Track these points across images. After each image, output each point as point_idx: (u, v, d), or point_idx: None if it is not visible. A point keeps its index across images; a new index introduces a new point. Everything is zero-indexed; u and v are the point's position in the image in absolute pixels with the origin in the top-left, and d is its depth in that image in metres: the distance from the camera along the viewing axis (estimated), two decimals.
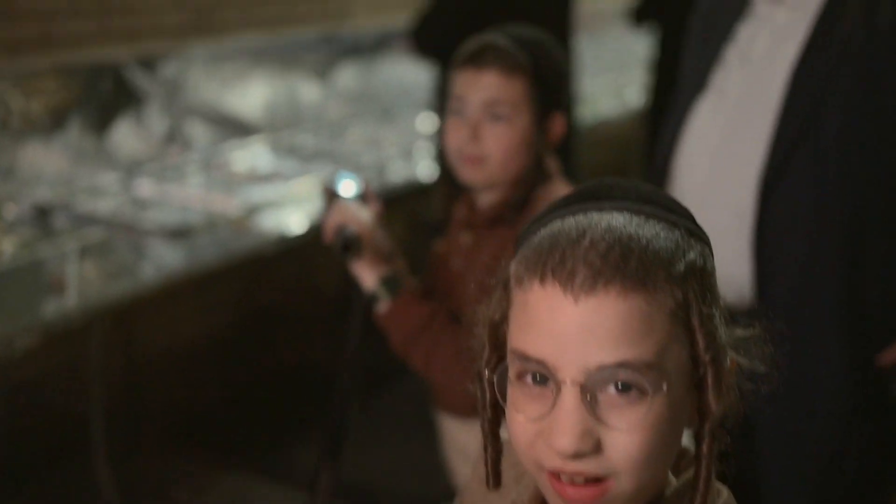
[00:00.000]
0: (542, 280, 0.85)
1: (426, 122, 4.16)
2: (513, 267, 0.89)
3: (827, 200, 1.78)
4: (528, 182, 1.67)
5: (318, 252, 3.00)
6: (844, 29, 1.77)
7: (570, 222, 0.87)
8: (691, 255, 0.87)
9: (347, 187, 1.74)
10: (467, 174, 1.68)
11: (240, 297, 3.19)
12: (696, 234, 0.91)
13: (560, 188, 1.68)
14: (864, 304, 1.81)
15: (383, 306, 1.65)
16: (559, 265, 0.84)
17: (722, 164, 1.88)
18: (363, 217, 1.66)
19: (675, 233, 0.87)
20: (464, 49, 1.71)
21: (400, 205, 3.22)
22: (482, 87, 1.66)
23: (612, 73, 5.73)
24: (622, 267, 0.83)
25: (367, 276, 1.65)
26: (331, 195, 1.74)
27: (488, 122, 1.66)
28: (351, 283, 1.76)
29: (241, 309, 3.13)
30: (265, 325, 3.26)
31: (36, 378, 2.50)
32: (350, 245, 1.61)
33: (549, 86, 1.69)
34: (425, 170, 3.58)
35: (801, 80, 1.79)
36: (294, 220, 3.00)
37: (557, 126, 1.71)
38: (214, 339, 3.17)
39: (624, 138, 5.21)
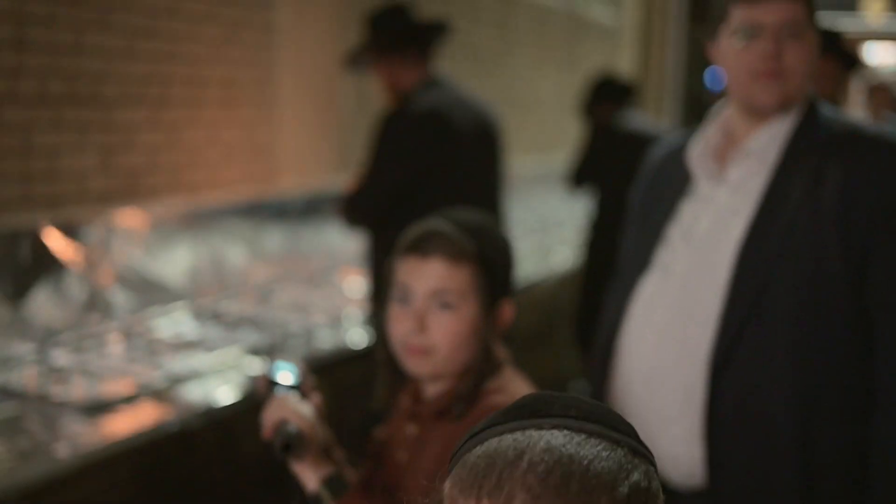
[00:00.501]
0: None
1: (355, 286, 4.12)
2: (447, 488, 0.84)
3: (777, 381, 1.77)
4: (476, 372, 1.61)
5: (242, 422, 2.90)
6: (789, 210, 1.79)
7: (508, 441, 0.83)
8: (635, 476, 0.83)
9: (285, 377, 1.66)
10: (413, 365, 1.62)
11: (159, 470, 3.05)
12: (641, 452, 0.86)
13: (510, 378, 1.62)
14: (819, 486, 1.78)
15: None
16: (495, 489, 0.79)
17: (670, 343, 1.86)
18: (304, 412, 1.58)
19: (617, 452, 0.83)
20: (407, 235, 1.67)
21: (328, 373, 3.14)
22: (427, 276, 1.61)
23: (537, 235, 5.79)
24: (563, 492, 0.79)
25: (309, 476, 1.56)
26: (268, 385, 1.66)
27: (435, 312, 1.61)
28: (288, 478, 1.66)
29: (159, 483, 2.98)
30: (186, 499, 3.11)
31: None
32: (292, 445, 1.53)
33: (496, 272, 1.65)
34: (354, 336, 3.51)
35: (748, 261, 1.80)
36: (219, 392, 2.89)
37: (506, 313, 1.67)
38: None
39: (551, 301, 5.22)
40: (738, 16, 1.81)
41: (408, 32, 3.40)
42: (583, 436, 0.83)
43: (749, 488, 1.79)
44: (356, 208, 3.36)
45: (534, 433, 0.83)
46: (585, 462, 0.81)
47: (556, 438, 0.82)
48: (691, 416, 1.82)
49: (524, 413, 0.86)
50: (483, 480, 0.81)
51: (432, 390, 1.66)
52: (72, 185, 3.38)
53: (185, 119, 3.82)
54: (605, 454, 0.82)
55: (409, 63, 3.39)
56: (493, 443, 0.83)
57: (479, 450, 0.84)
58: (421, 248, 1.62)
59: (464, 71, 5.46)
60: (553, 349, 5.16)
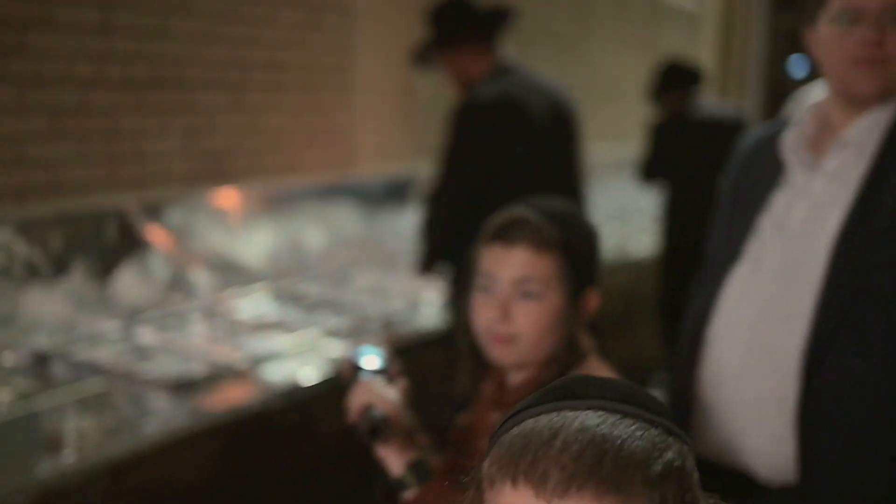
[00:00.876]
0: (514, 482, 0.83)
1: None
2: (485, 467, 0.87)
3: (875, 377, 1.71)
4: (561, 361, 1.60)
5: (322, 403, 2.93)
6: (889, 202, 1.73)
7: (543, 421, 0.85)
8: (669, 455, 0.84)
9: (371, 362, 1.66)
10: (498, 353, 1.62)
11: (240, 448, 3.11)
12: (675, 432, 0.87)
13: (596, 367, 1.61)
14: None
15: (411, 493, 1.57)
16: (531, 467, 0.82)
17: (761, 337, 1.81)
18: (390, 396, 1.58)
19: (651, 432, 0.84)
20: (491, 223, 1.65)
21: (406, 356, 3.16)
22: (512, 265, 1.60)
23: (615, 222, 5.74)
24: (596, 470, 0.80)
25: (395, 461, 1.57)
26: (353, 370, 1.66)
27: (519, 300, 1.59)
28: (369, 461, 1.67)
29: (241, 460, 3.04)
30: (267, 476, 3.16)
31: None
32: (379, 429, 1.53)
33: (581, 260, 1.63)
34: (432, 321, 3.52)
35: (846, 253, 1.74)
36: (299, 373, 2.93)
37: (591, 302, 1.65)
38: (216, 492, 3.06)
39: (631, 289, 5.18)
40: (838, 1, 1.76)
41: (471, 22, 3.38)
42: (617, 416, 0.84)
43: (843, 485, 1.73)
44: (436, 205, 3.35)
45: (569, 414, 0.85)
46: (619, 441, 0.82)
47: (590, 419, 0.84)
48: (783, 412, 1.77)
49: (560, 394, 0.88)
50: (519, 459, 0.83)
51: (516, 378, 1.65)
52: (155, 166, 3.44)
53: (265, 103, 3.87)
54: (638, 433, 0.83)
55: (476, 53, 3.36)
56: (529, 423, 0.86)
57: (516, 430, 0.86)
58: (505, 236, 1.61)
59: (541, 56, 5.43)
60: (634, 338, 5.12)
